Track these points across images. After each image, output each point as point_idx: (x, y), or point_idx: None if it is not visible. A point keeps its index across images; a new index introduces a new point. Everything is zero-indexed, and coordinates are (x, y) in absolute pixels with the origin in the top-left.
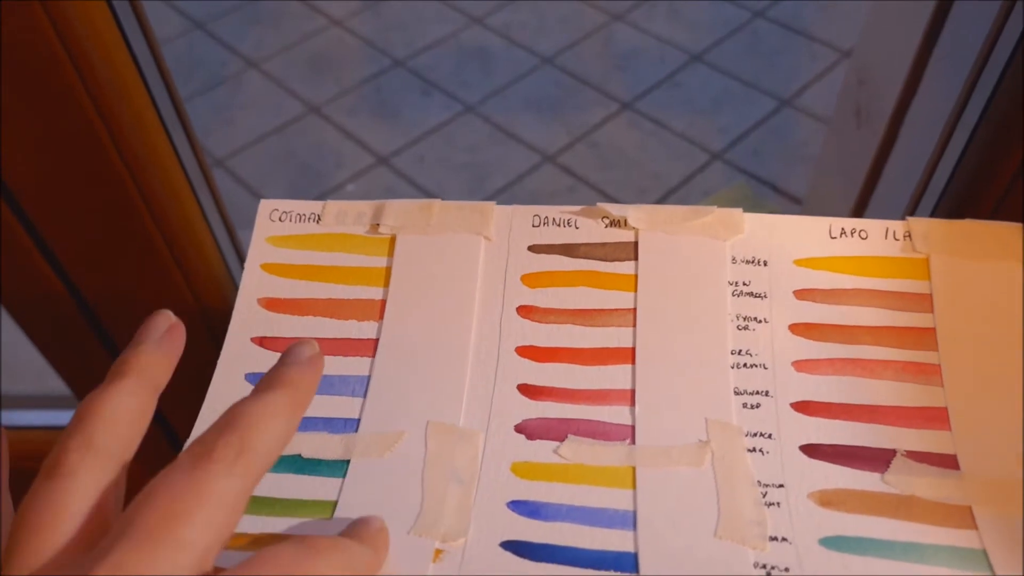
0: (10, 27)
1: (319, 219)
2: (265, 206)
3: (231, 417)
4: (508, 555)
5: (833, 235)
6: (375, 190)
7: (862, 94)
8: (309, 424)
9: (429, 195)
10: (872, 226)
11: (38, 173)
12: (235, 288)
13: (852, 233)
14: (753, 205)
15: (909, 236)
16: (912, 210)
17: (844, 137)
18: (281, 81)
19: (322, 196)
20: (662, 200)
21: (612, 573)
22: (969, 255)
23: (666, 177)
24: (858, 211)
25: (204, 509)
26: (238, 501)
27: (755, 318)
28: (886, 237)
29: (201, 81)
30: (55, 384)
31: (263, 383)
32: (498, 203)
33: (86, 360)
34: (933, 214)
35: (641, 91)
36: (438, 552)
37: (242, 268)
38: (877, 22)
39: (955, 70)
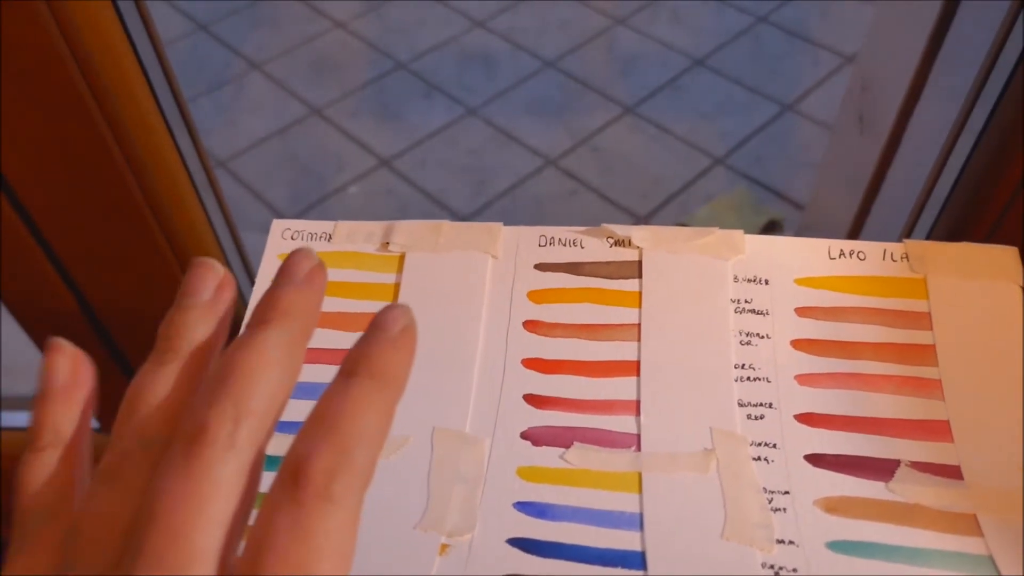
0: (15, 29)
1: (330, 238)
2: (277, 225)
3: (220, 375)
4: (515, 551)
5: (832, 256)
6: (377, 192)
7: (865, 100)
8: None
9: (430, 198)
10: (870, 248)
11: (42, 174)
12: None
13: (851, 254)
14: (754, 210)
15: (906, 257)
16: (915, 217)
17: (846, 143)
18: (284, 83)
19: (324, 198)
20: (664, 204)
21: (619, 570)
22: (966, 275)
23: (668, 181)
24: (860, 217)
25: (212, 506)
26: (250, 478)
27: (757, 334)
28: (884, 258)
29: (204, 83)
30: None
31: (254, 316)
32: (499, 206)
33: None
34: (936, 222)
35: (643, 95)
36: (444, 547)
37: (244, 269)
38: (881, 28)
39: (959, 77)
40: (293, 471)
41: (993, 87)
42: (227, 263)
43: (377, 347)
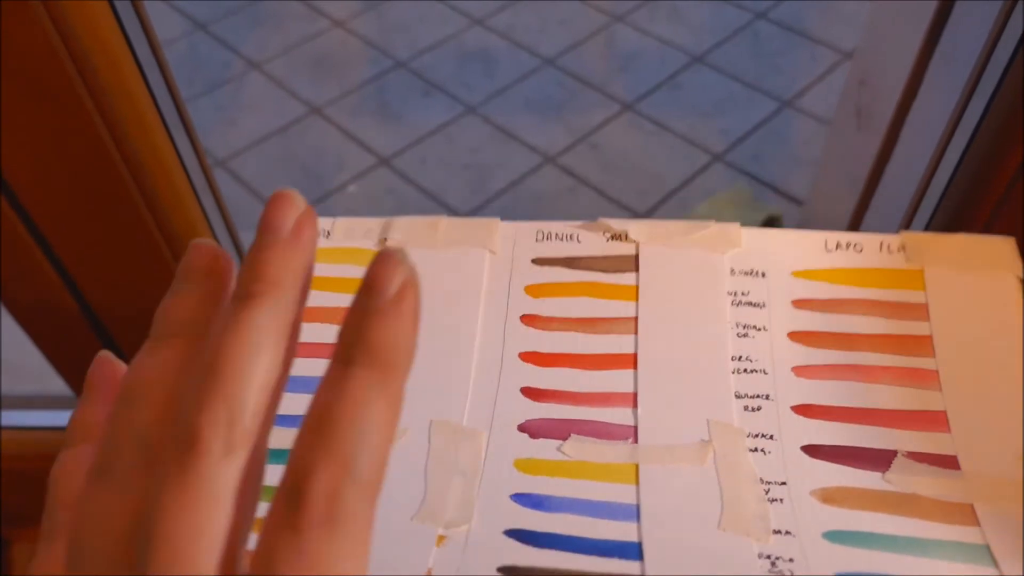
0: (12, 29)
1: (328, 235)
2: None
3: (209, 366)
4: (511, 542)
5: (829, 248)
6: (376, 191)
7: (863, 96)
8: None
9: (430, 196)
10: (867, 240)
11: (41, 175)
12: None
13: (848, 246)
14: (753, 207)
15: (903, 249)
16: (913, 211)
17: (845, 139)
18: (283, 82)
19: (324, 197)
20: (663, 201)
21: (616, 560)
22: (963, 266)
23: (667, 178)
24: (860, 212)
25: (213, 523)
26: (250, 479)
27: (754, 326)
28: (881, 250)
29: (203, 82)
30: (56, 385)
31: (240, 287)
32: (499, 204)
33: (87, 360)
34: (934, 215)
35: (642, 92)
36: (441, 538)
37: None
38: (878, 24)
39: (956, 72)
40: (291, 491)
41: (989, 81)
42: None
43: (374, 320)
